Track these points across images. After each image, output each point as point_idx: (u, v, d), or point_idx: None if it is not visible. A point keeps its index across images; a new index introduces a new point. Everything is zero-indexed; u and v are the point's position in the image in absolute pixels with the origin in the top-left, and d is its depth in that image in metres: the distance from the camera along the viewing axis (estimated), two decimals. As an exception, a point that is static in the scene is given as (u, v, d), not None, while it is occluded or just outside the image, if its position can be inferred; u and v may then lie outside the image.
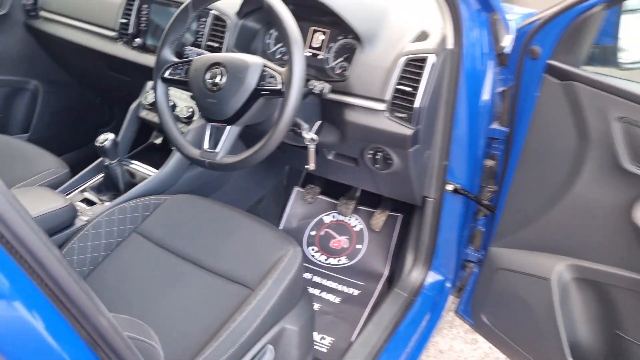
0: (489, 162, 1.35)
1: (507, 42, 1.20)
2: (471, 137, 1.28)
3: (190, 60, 1.11)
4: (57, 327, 0.47)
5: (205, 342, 0.91)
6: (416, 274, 1.50)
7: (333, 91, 1.20)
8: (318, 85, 1.14)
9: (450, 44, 1.14)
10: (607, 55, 1.04)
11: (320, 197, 1.92)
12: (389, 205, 1.82)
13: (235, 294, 1.00)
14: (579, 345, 1.10)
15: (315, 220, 1.88)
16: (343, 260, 1.77)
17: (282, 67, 1.02)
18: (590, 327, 1.10)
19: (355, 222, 1.85)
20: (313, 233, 1.86)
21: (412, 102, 1.12)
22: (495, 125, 1.28)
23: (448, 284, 1.50)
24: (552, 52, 0.99)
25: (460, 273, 1.55)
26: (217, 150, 1.06)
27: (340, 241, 1.82)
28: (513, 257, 1.19)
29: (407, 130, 1.13)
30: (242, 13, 1.36)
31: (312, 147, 1.17)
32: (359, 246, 1.79)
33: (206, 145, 1.10)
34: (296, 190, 1.94)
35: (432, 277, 1.49)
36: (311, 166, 1.18)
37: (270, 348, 1.01)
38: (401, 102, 1.13)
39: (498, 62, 1.22)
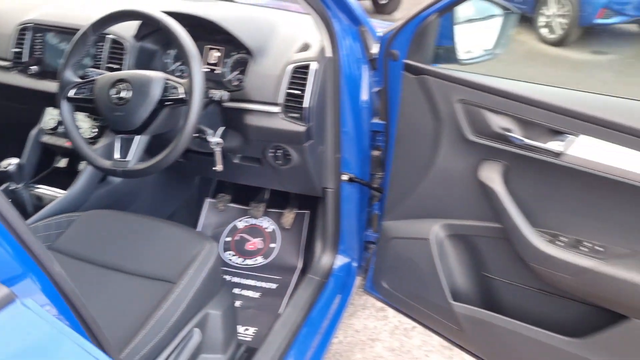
0: (376, 152, 1.57)
1: (376, 49, 1.44)
2: (357, 132, 1.49)
3: (93, 80, 1.20)
4: None
5: (134, 332, 0.99)
6: (326, 259, 1.67)
7: (232, 99, 1.35)
8: (217, 94, 1.28)
9: (328, 53, 1.35)
10: (450, 54, 1.31)
11: (232, 205, 2.04)
12: (296, 204, 1.99)
13: (159, 288, 1.09)
14: (457, 290, 1.34)
15: (230, 227, 1.99)
16: (259, 259, 1.90)
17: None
18: (464, 273, 1.34)
19: (267, 224, 1.99)
20: (228, 239, 1.96)
21: (301, 103, 1.30)
22: (375, 120, 1.51)
23: (354, 264, 1.70)
24: (407, 53, 1.23)
25: (365, 255, 1.75)
26: (128, 158, 1.16)
27: (255, 243, 1.95)
28: (400, 226, 1.41)
29: (300, 128, 1.31)
30: (139, 35, 1.46)
31: (218, 150, 1.30)
32: (272, 245, 1.93)
33: (117, 156, 1.18)
34: (208, 201, 2.04)
35: (340, 260, 1.67)
36: (219, 167, 1.31)
37: (197, 331, 1.11)
38: (293, 103, 1.31)
39: (371, 67, 1.45)
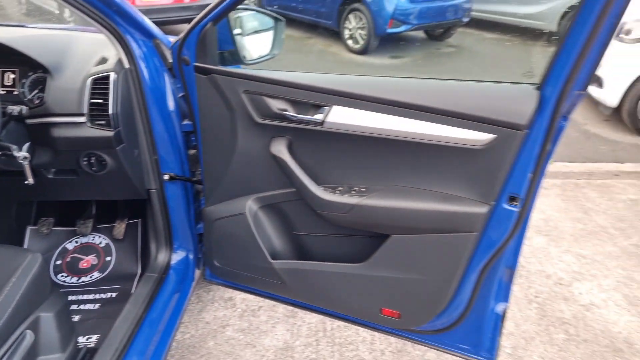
0: (192, 151, 1.75)
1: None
2: (170, 134, 1.65)
3: None
4: None
5: None
6: (162, 257, 1.78)
7: (36, 115, 1.41)
8: (16, 108, 1.33)
9: (126, 64, 1.49)
10: (235, 56, 1.55)
11: (57, 228, 2.01)
12: (127, 215, 2.05)
13: None
14: (275, 250, 1.58)
15: (59, 250, 1.96)
16: (95, 274, 1.91)
17: None
18: (279, 236, 1.59)
19: (99, 239, 2.01)
20: (59, 262, 1.94)
21: (106, 110, 1.42)
22: (185, 122, 1.68)
23: (191, 256, 1.84)
24: (195, 57, 1.44)
25: (201, 247, 1.91)
26: None
27: (88, 260, 1.95)
28: (220, 208, 1.61)
29: (108, 133, 1.42)
30: None
31: (26, 164, 1.35)
32: (108, 258, 1.96)
33: None
34: (29, 229, 1.98)
35: (177, 255, 1.80)
36: (30, 180, 1.35)
37: (29, 332, 1.15)
38: (98, 112, 1.42)
39: (171, 75, 1.62)
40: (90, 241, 2.00)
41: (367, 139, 1.29)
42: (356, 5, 6.49)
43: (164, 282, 1.71)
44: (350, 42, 6.82)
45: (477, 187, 1.24)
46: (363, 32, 6.54)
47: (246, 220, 1.54)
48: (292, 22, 7.50)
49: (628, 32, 3.92)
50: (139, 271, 1.94)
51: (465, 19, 6.60)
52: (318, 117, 1.34)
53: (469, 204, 1.25)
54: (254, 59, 1.56)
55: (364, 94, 1.27)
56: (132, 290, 1.86)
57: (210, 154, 1.55)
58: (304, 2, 7.39)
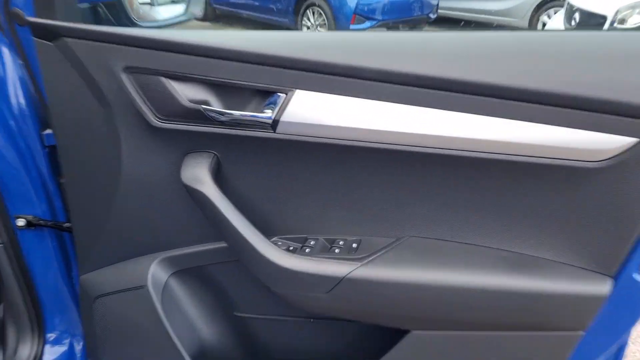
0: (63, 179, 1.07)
1: None
2: (18, 150, 0.97)
3: None
4: None
5: None
6: (25, 351, 1.09)
7: None
8: None
9: None
10: (118, 12, 0.89)
11: None
12: None
13: None
14: (205, 350, 0.93)
15: None
16: None
17: None
18: (209, 323, 0.93)
19: None
20: None
21: None
22: (48, 131, 1.01)
23: (78, 345, 1.15)
24: (34, 7, 0.78)
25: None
26: None
27: None
28: (106, 276, 0.94)
29: None
30: None
31: None
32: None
33: None
34: None
35: (52, 345, 1.11)
36: None
37: None
38: None
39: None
40: None
41: (361, 151, 0.68)
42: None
43: None
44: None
45: (589, 243, 0.64)
46: (323, 30, 5.99)
47: (149, 298, 0.88)
48: (241, 21, 6.82)
49: (622, 22, 3.50)
50: None
51: (433, 16, 6.16)
52: (266, 114, 0.72)
53: (571, 276, 0.64)
54: (156, 20, 0.91)
55: (355, 65, 0.65)
56: None
57: (77, 182, 0.89)
58: (256, -1, 6.71)
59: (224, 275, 0.88)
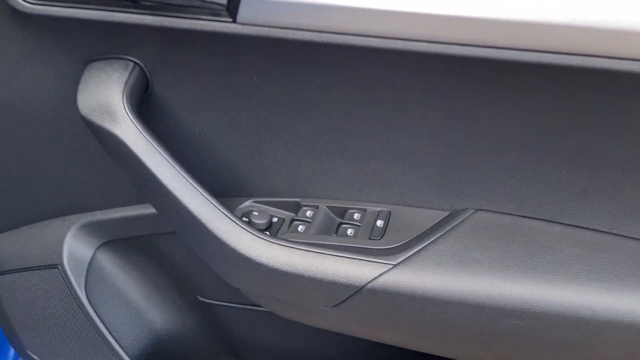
0: None
1: None
2: None
3: None
4: None
5: None
6: None
7: None
8: None
9: None
10: None
11: None
12: None
13: None
14: (155, 341, 0.66)
15: None
16: None
17: None
18: (164, 309, 0.65)
19: None
20: None
21: None
22: None
23: None
24: None
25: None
26: None
27: None
28: (8, 244, 0.64)
29: None
30: None
31: None
32: None
33: None
34: None
35: None
36: None
37: None
38: None
39: None
40: None
41: (375, 52, 0.34)
42: None
43: None
44: None
45: None
46: None
47: (65, 282, 0.60)
48: None
49: None
50: None
51: None
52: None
53: None
54: None
55: None
56: None
57: None
58: None
59: (175, 247, 0.59)
